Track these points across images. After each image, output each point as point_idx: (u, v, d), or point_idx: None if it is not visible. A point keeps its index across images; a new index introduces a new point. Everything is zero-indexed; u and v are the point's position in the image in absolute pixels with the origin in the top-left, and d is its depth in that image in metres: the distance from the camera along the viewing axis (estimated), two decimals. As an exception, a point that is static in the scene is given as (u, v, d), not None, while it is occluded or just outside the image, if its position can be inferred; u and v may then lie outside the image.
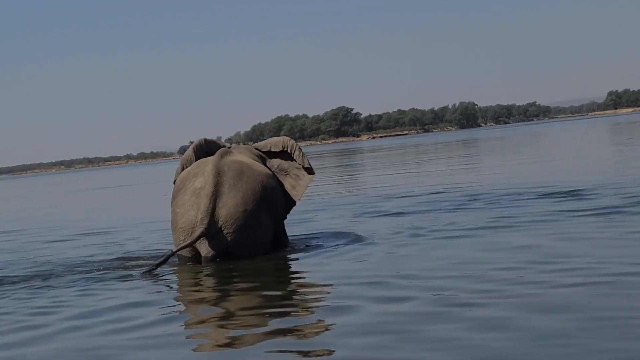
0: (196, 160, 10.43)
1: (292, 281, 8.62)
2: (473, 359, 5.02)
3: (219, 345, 5.92)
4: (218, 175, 9.68)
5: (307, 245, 10.60)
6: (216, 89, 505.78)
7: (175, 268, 9.75)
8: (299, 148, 10.96)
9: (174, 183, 10.29)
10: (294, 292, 7.86)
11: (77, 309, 7.74)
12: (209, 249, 9.57)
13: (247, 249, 9.81)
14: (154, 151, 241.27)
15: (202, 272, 9.25)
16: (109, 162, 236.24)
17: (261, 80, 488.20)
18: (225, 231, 9.55)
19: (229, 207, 9.57)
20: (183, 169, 10.46)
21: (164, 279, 9.14)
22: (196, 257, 9.71)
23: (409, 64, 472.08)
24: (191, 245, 9.56)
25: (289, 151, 10.94)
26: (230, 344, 5.92)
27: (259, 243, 9.96)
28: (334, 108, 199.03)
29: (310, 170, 10.94)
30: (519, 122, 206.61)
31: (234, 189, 9.66)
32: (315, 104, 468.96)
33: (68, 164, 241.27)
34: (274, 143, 11.04)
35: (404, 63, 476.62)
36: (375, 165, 39.46)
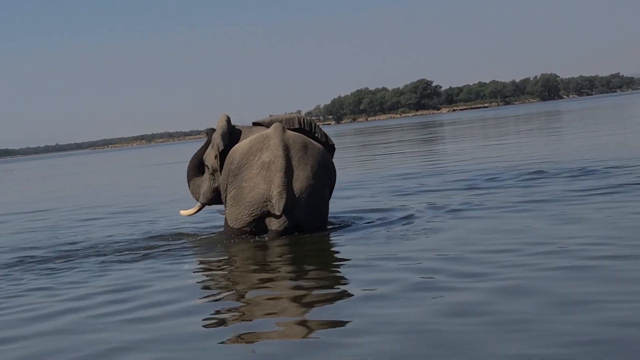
0: (228, 132, 10.36)
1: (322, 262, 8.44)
2: (436, 344, 5.01)
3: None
4: (287, 149, 9.64)
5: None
6: (297, 62, 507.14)
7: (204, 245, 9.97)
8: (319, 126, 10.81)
9: (218, 157, 10.20)
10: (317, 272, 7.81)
11: (84, 289, 7.84)
12: (282, 222, 9.61)
13: (315, 223, 9.87)
14: (235, 125, 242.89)
15: (239, 249, 9.38)
16: (190, 137, 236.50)
17: (341, 54, 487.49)
18: (299, 205, 9.57)
19: (302, 181, 9.59)
20: (223, 143, 10.20)
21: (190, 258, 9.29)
22: (258, 231, 9.74)
23: (490, 36, 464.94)
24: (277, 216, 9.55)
25: (307, 128, 10.64)
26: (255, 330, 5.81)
27: (324, 218, 10.07)
28: (414, 81, 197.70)
29: (333, 148, 10.80)
30: (601, 93, 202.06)
31: (302, 163, 9.67)
32: (395, 77, 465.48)
33: (149, 138, 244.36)
34: (287, 119, 10.63)
35: (485, 34, 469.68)
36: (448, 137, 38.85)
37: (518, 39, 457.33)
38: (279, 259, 8.55)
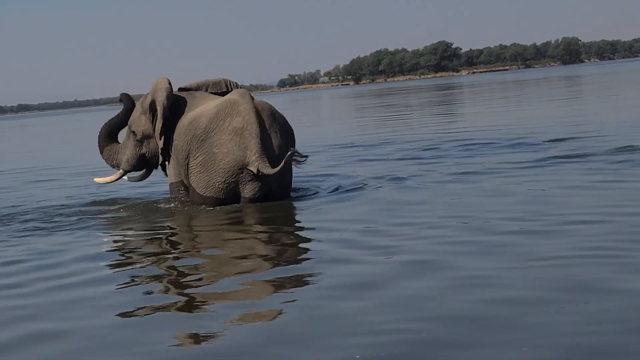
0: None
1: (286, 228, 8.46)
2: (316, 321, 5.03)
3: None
4: (258, 115, 9.59)
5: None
6: (315, 22, 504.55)
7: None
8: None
9: (161, 123, 10.10)
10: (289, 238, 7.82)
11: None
12: (256, 190, 9.58)
13: (285, 190, 9.90)
14: (254, 84, 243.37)
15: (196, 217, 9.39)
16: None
17: (359, 14, 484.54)
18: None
19: (275, 148, 9.57)
20: (166, 106, 10.16)
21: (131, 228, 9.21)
22: (228, 199, 9.67)
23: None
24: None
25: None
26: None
27: (291, 185, 10.07)
28: (434, 42, 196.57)
29: None
30: (623, 58, 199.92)
31: (273, 130, 9.63)
32: (415, 39, 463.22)
33: None
34: (214, 83, 10.77)
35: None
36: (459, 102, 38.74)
37: (540, 2, 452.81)
38: (225, 226, 8.65)
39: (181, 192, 10.30)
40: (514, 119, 20.54)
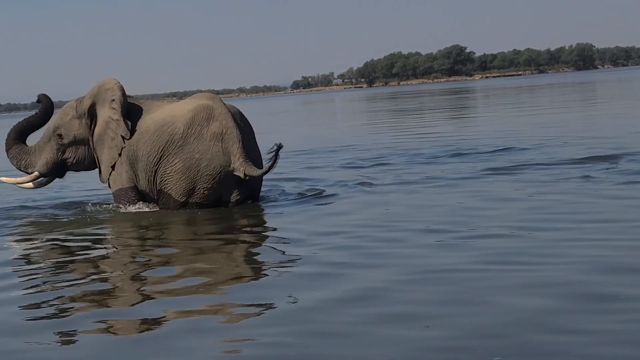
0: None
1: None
2: None
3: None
4: (235, 119, 9.69)
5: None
6: (329, 24, 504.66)
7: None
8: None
9: (124, 124, 9.93)
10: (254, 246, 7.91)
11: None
12: (241, 193, 9.74)
13: (258, 194, 10.10)
14: (267, 85, 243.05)
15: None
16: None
17: (374, 17, 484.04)
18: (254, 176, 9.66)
19: (254, 152, 9.81)
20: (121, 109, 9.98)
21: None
22: (211, 204, 9.73)
23: (526, 3, 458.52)
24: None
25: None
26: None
27: (260, 187, 10.24)
28: (448, 46, 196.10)
29: None
30: (637, 64, 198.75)
31: (246, 133, 9.77)
32: (429, 42, 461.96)
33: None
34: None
35: (520, 1, 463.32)
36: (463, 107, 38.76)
37: (554, 7, 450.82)
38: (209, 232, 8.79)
39: (132, 198, 10.08)
40: (503, 126, 20.79)
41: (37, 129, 10.66)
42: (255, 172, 9.45)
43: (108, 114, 10.03)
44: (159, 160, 9.74)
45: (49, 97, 10.64)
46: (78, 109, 10.34)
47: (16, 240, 8.89)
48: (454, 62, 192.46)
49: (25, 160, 10.56)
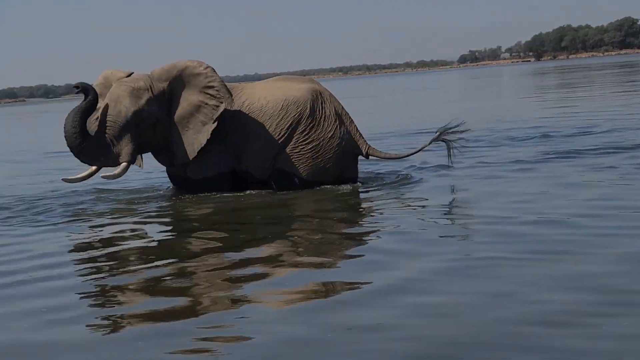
0: None
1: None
2: None
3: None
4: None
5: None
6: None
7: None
8: None
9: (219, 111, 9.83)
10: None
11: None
12: (355, 172, 10.52)
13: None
14: (434, 59, 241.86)
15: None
16: (387, 70, 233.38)
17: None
18: None
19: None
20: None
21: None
22: (334, 181, 10.13)
23: None
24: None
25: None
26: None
27: None
28: (619, 19, 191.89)
29: None
30: None
31: None
32: (599, 14, 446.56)
33: (346, 70, 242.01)
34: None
35: None
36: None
37: None
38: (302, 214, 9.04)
39: (226, 183, 10.15)
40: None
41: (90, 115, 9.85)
42: (382, 154, 10.21)
43: (199, 98, 9.87)
44: (287, 140, 9.93)
45: (87, 83, 9.78)
46: (154, 89, 9.96)
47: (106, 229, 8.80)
48: (625, 34, 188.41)
49: (108, 153, 9.85)
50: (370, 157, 10.24)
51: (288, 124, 9.82)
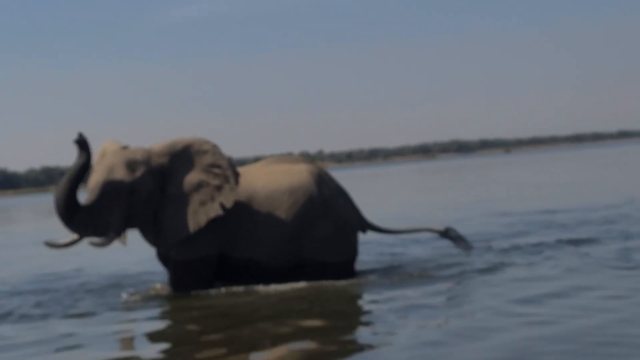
0: None
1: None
2: None
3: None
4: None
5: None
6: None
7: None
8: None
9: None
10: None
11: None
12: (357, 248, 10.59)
13: None
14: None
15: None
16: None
17: None
18: None
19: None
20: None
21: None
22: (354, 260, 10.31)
23: None
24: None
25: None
26: None
27: None
28: None
29: None
30: None
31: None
32: None
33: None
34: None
35: None
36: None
37: None
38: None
39: (209, 269, 9.85)
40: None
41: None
42: (382, 228, 10.44)
43: (201, 176, 9.72)
44: (301, 227, 9.83)
45: (86, 140, 9.36)
46: (152, 163, 9.76)
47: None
48: None
49: (97, 224, 9.55)
50: (367, 231, 10.37)
51: (299, 210, 9.72)
